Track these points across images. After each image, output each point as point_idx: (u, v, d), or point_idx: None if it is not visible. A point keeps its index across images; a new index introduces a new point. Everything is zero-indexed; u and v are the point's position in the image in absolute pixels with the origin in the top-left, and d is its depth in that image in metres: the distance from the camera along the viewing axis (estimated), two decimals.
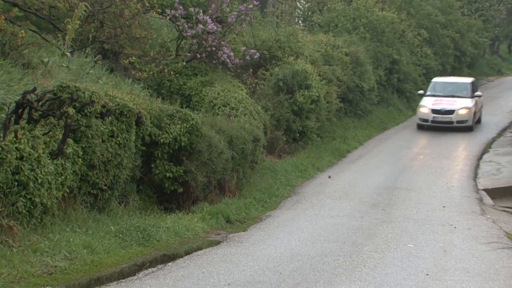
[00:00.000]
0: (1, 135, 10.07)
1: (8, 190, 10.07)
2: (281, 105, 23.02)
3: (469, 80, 33.09)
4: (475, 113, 31.11)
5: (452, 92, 31.58)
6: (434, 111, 30.41)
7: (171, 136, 14.61)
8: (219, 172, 15.93)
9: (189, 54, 21.08)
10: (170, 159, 14.79)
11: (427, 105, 30.70)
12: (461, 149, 26.80)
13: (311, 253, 11.73)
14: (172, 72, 20.37)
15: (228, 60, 21.47)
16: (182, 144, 14.76)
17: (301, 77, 23.57)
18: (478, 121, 32.52)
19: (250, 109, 19.65)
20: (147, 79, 19.67)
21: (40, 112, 11.00)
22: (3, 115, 10.49)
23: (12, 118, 10.53)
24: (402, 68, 35.86)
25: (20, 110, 10.76)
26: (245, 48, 22.97)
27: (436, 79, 33.65)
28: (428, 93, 31.96)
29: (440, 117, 30.29)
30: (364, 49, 31.78)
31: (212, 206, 15.04)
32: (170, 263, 10.92)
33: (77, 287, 9.40)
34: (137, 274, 10.21)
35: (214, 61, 21.41)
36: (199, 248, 12.22)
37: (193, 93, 20.45)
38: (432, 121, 30.49)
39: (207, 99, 19.87)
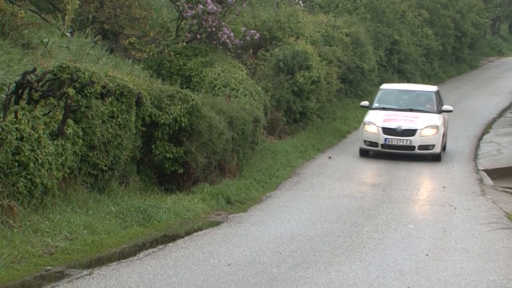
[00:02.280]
0: (1, 115, 10.06)
1: (8, 170, 10.07)
2: (282, 86, 22.98)
3: (433, 88, 24.00)
4: (444, 135, 21.92)
5: (411, 105, 22.45)
6: (386, 130, 21.09)
7: (171, 117, 14.59)
8: (219, 153, 15.93)
9: (189, 35, 21.02)
10: (170, 140, 14.78)
11: (376, 121, 21.35)
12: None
13: (311, 234, 11.75)
14: (172, 53, 20.32)
15: (228, 41, 21.41)
16: (182, 125, 14.75)
17: (301, 58, 23.51)
18: (444, 149, 22.42)
19: (250, 90, 19.62)
20: (147, 59, 19.62)
21: (40, 93, 10.98)
22: (3, 96, 10.47)
23: (12, 99, 10.51)
24: (403, 48, 35.74)
25: (20, 91, 10.74)
26: (245, 28, 22.90)
27: (386, 86, 24.24)
28: (375, 105, 22.53)
29: (395, 140, 21.04)
30: (364, 29, 31.67)
31: (212, 187, 15.05)
32: (170, 244, 10.94)
33: (78, 267, 9.42)
34: (137, 255, 10.23)
35: (214, 42, 21.36)
36: (200, 229, 12.24)
37: (193, 73, 20.41)
38: (384, 145, 21.09)
39: (207, 80, 19.83)
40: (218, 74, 19.79)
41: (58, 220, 10.67)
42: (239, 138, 17.03)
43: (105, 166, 12.44)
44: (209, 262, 9.80)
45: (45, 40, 13.50)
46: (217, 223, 12.81)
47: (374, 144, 21.18)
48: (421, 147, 21.02)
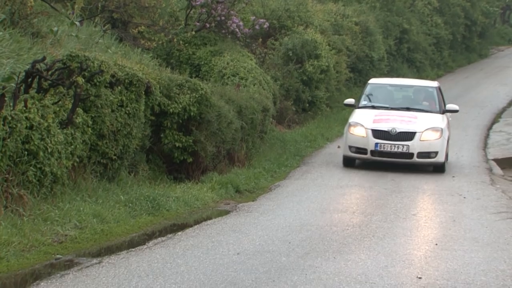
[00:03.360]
0: (11, 104, 10.08)
1: (18, 159, 10.10)
2: (291, 75, 22.96)
3: (433, 84, 20.04)
4: (447, 140, 18.02)
5: (408, 103, 18.92)
6: (377, 133, 17.41)
7: (181, 106, 14.59)
8: (228, 142, 15.93)
9: (198, 24, 20.99)
10: (179, 129, 14.79)
11: (364, 123, 17.65)
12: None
13: (320, 223, 11.76)
14: (181, 42, 20.31)
15: (237, 30, 21.38)
16: (192, 114, 14.75)
17: (310, 47, 23.48)
18: (446, 157, 18.18)
19: (259, 79, 19.60)
20: (156, 48, 19.62)
21: (49, 82, 11.00)
22: (12, 85, 10.48)
23: (21, 88, 10.53)
24: (412, 37, 35.64)
25: (30, 80, 10.75)
26: (254, 17, 22.86)
27: (375, 81, 20.35)
28: (362, 103, 18.79)
29: (388, 145, 17.36)
30: (374, 18, 31.60)
31: (221, 176, 15.05)
32: (179, 233, 10.96)
33: (87, 256, 9.45)
34: (146, 243, 10.25)
35: (223, 31, 21.33)
36: (209, 218, 12.25)
37: (202, 63, 20.39)
38: (374, 152, 17.37)
39: (216, 69, 19.82)
40: (227, 63, 19.77)
41: (68, 209, 10.69)
42: (248, 127, 17.03)
43: (114, 155, 12.45)
44: (218, 251, 9.81)
45: (55, 29, 13.52)
46: (226, 212, 12.82)
47: (362, 150, 17.39)
48: (421, 154, 17.35)
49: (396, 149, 17.31)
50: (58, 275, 8.51)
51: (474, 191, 15.46)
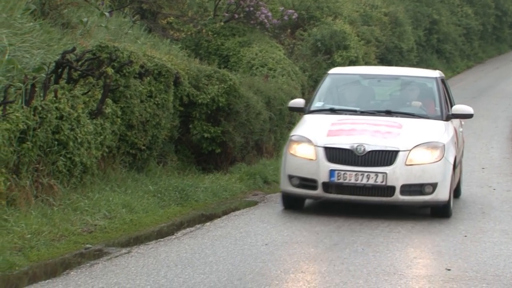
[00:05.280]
0: (41, 94, 10.15)
1: (48, 149, 10.17)
2: (319, 66, 22.90)
3: (432, 74, 13.32)
4: (456, 163, 12.13)
5: (390, 104, 12.65)
6: (334, 154, 11.35)
7: (209, 96, 14.61)
8: (256, 133, 15.93)
9: (227, 14, 21.00)
10: (208, 120, 14.81)
11: (314, 137, 11.55)
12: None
13: (349, 214, 11.73)
14: (210, 33, 20.32)
15: (266, 21, 21.35)
16: (220, 104, 14.76)
17: (339, 38, 23.41)
18: (456, 191, 13.03)
19: (287, 70, 19.58)
20: (185, 39, 19.65)
21: (79, 72, 11.06)
22: (43, 75, 10.55)
23: (52, 78, 10.59)
24: (442, 28, 35.42)
25: (60, 70, 10.82)
26: (283, 8, 22.82)
27: (339, 71, 13.89)
28: (316, 105, 12.59)
29: (351, 174, 11.23)
30: (403, 9, 31.44)
31: (249, 167, 15.06)
32: (208, 223, 10.99)
33: (117, 246, 9.50)
34: (175, 234, 10.29)
35: (252, 22, 21.31)
36: (237, 209, 12.27)
37: (231, 53, 20.40)
38: (329, 186, 11.32)
39: (245, 59, 19.82)
40: (256, 54, 19.77)
41: (97, 199, 10.76)
42: (276, 118, 17.02)
43: (144, 145, 12.50)
44: (246, 241, 9.83)
45: (84, 19, 13.52)
46: (254, 203, 12.83)
47: (309, 183, 11.34)
48: (408, 188, 11.19)
49: (365, 180, 11.10)
50: (88, 264, 8.57)
51: (504, 182, 15.36)
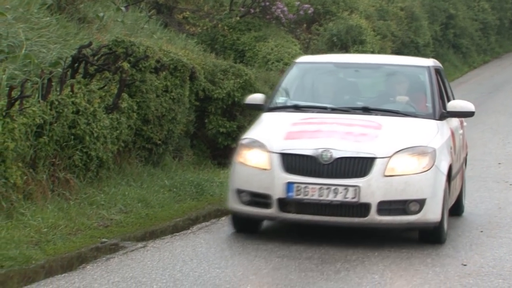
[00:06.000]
0: (58, 89, 10.18)
1: (64, 144, 10.21)
2: None
3: (424, 63, 10.87)
4: (449, 174, 9.58)
5: (368, 99, 10.43)
6: (292, 161, 9.01)
7: (225, 91, 14.61)
8: None
9: (243, 9, 20.99)
10: (223, 115, 14.81)
11: (269, 141, 9.25)
12: None
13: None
14: (226, 27, 20.33)
15: (282, 15, 21.33)
16: (236, 99, 14.76)
17: (355, 33, 23.36)
18: (457, 208, 11.12)
19: None
20: (201, 34, 19.67)
21: (95, 67, 11.09)
22: (59, 70, 10.59)
23: (68, 73, 10.63)
24: (459, 23, 35.26)
25: (76, 65, 10.85)
26: (299, 3, 22.78)
27: (308, 59, 11.57)
28: (278, 101, 10.36)
29: (315, 188, 8.85)
30: (419, 3, 31.34)
31: None
32: (223, 218, 10.99)
33: (132, 240, 9.53)
34: (191, 228, 10.32)
35: (268, 16, 21.29)
36: None
37: (246, 48, 20.39)
38: (286, 203, 8.99)
39: (261, 54, 19.81)
40: (272, 49, 19.75)
41: (113, 193, 10.79)
42: None
43: (159, 140, 12.53)
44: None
45: (101, 14, 13.64)
46: None
47: (261, 199, 9.15)
48: (387, 206, 8.97)
49: (331, 196, 8.86)
50: (104, 258, 8.61)
51: None
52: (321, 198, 8.92)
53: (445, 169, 9.38)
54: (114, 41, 11.82)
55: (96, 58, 11.16)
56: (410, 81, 10.54)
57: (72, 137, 10.29)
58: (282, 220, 9.47)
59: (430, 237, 9.48)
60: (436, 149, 9.29)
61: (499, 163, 16.97)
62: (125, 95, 11.60)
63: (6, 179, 9.07)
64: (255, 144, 9.38)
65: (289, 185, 8.95)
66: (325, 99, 10.35)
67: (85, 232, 9.47)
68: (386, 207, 8.98)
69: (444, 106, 10.30)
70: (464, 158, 11.52)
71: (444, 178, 9.31)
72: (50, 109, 9.86)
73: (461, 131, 11.19)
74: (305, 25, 23.61)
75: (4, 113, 9.07)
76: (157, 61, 12.44)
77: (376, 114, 9.85)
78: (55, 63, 10.83)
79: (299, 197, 8.96)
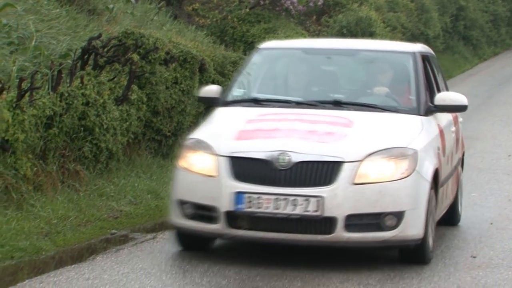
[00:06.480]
0: (68, 81, 10.20)
1: (74, 135, 10.24)
2: None
3: (409, 48, 9.36)
4: (436, 180, 8.13)
5: (340, 92, 8.80)
6: (243, 167, 7.57)
7: None
8: None
9: (252, 1, 20.96)
10: None
11: (217, 141, 7.82)
12: None
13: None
14: (235, 19, 20.31)
15: (291, 7, 21.30)
16: None
17: (365, 24, 23.32)
18: (451, 216, 10.03)
19: None
20: (210, 26, 19.65)
21: (105, 59, 11.10)
22: (69, 61, 10.61)
23: (78, 64, 10.64)
24: (469, 14, 35.17)
25: (86, 56, 10.86)
26: None
27: (273, 45, 9.97)
28: (234, 94, 8.98)
29: (270, 199, 7.41)
30: None
31: None
32: None
33: (142, 231, 9.56)
34: None
35: (277, 8, 21.26)
36: None
37: (256, 40, 20.35)
38: (236, 217, 7.52)
39: None
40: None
41: (123, 185, 10.82)
42: None
43: (169, 132, 12.54)
44: None
45: (111, 6, 13.64)
46: None
47: (206, 212, 7.73)
48: (357, 220, 7.54)
49: (289, 209, 7.46)
50: (114, 249, 8.63)
51: None
52: (276, 211, 7.45)
53: (429, 175, 7.89)
54: (124, 33, 11.83)
55: (105, 50, 11.17)
56: (392, 70, 9.06)
57: (82, 128, 10.31)
58: (231, 238, 7.90)
59: (411, 257, 8.00)
60: (418, 150, 7.81)
61: (509, 155, 16.93)
62: (134, 87, 11.61)
63: (16, 170, 9.10)
64: (201, 145, 7.92)
65: (239, 195, 7.50)
66: (291, 91, 8.93)
67: (95, 224, 9.49)
68: (355, 221, 7.49)
69: (430, 99, 8.79)
70: (459, 159, 10.22)
71: (427, 186, 7.82)
72: (60, 101, 9.88)
73: (453, 128, 9.68)
74: (314, 17, 23.58)
75: (14, 105, 9.09)
76: (167, 53, 12.45)
77: (349, 109, 8.34)
78: (65, 55, 10.84)
79: (250, 210, 7.49)
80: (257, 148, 7.64)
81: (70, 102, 10.02)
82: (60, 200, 9.59)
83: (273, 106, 8.56)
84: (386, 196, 7.52)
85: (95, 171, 10.62)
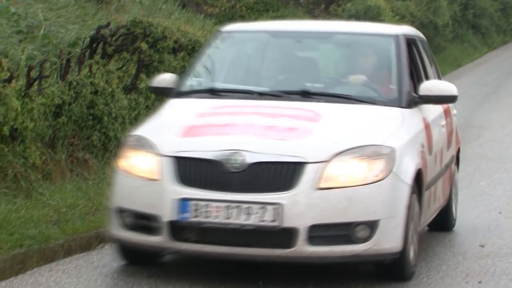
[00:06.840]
0: (76, 69, 10.21)
1: (83, 124, 10.25)
2: None
3: (392, 30, 8.05)
4: (420, 183, 7.01)
5: (310, 81, 7.53)
6: (190, 169, 6.42)
7: None
8: None
9: None
10: None
11: (161, 139, 6.66)
12: None
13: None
14: (244, 8, 20.31)
15: None
16: None
17: (373, 13, 23.27)
18: (444, 221, 9.16)
19: None
20: (219, 14, 19.66)
21: (113, 47, 11.10)
22: (77, 50, 10.62)
23: (86, 53, 10.65)
24: (478, 3, 35.05)
25: (94, 45, 10.87)
26: None
27: (236, 28, 8.45)
28: (189, 83, 7.73)
29: (220, 206, 6.27)
30: None
31: None
32: None
33: None
34: None
35: None
36: None
37: None
38: (180, 228, 6.35)
39: None
40: None
41: None
42: None
43: None
44: None
45: None
46: None
47: (147, 222, 6.58)
48: (322, 231, 6.31)
49: (243, 218, 6.34)
50: None
51: None
52: (227, 221, 6.31)
53: (409, 177, 6.69)
54: (132, 21, 11.83)
55: (114, 38, 11.17)
56: (371, 55, 7.86)
57: (91, 117, 10.33)
58: (175, 252, 6.68)
59: (388, 272, 6.82)
60: (395, 148, 6.62)
61: None
62: (143, 76, 11.61)
63: (25, 159, 9.12)
64: (143, 143, 6.78)
65: (184, 202, 6.37)
66: (254, 80, 7.79)
67: (103, 212, 9.48)
68: (320, 233, 6.32)
69: (414, 88, 7.59)
70: (452, 156, 8.96)
71: (407, 190, 6.63)
72: (69, 90, 9.89)
73: (444, 122, 8.45)
74: (323, 5, 23.56)
75: (23, 93, 9.10)
76: (175, 42, 12.44)
77: (318, 101, 7.18)
78: (73, 44, 10.86)
79: (197, 219, 6.34)
80: (205, 147, 6.51)
81: (79, 91, 10.03)
82: (69, 189, 9.61)
83: (232, 98, 7.38)
84: (357, 203, 6.37)
85: (103, 159, 10.63)
